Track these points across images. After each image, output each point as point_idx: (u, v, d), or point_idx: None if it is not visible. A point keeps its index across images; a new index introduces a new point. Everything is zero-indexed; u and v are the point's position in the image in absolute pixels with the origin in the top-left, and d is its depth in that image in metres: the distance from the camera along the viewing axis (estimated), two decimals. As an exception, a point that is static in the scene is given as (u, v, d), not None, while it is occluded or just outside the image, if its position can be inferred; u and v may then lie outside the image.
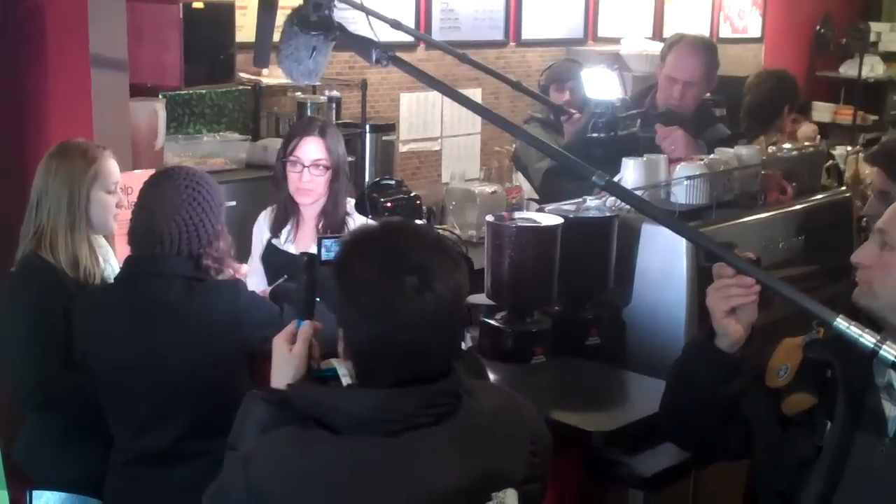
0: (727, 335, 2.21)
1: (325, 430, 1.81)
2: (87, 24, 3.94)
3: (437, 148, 6.69)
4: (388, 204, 2.73)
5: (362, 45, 2.63)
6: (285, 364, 2.05)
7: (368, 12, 3.19)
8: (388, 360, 1.84)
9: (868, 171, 4.57)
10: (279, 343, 2.07)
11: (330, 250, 2.26)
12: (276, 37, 2.89)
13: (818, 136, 5.71)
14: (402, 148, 6.35)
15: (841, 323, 1.86)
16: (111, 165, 3.32)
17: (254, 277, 3.72)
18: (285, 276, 3.48)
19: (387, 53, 2.57)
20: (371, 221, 3.68)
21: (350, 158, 3.99)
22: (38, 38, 4.07)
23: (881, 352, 1.82)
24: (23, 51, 4.08)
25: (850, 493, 2.03)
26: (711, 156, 3.55)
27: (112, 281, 3.20)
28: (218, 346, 2.83)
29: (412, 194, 2.94)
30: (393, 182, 2.98)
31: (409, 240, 1.90)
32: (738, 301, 2.19)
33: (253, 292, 3.03)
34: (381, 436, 1.79)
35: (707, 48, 4.30)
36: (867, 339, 1.84)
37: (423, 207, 2.96)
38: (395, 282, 1.81)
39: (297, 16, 2.68)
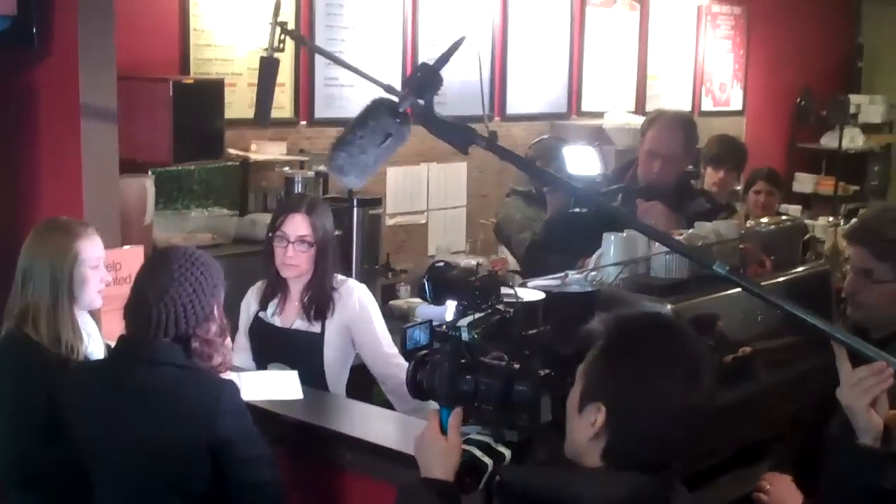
0: (871, 430, 2.23)
1: None
2: (79, 100, 4.01)
3: (424, 221, 6.77)
4: (477, 283, 2.63)
5: (458, 133, 2.40)
6: (444, 454, 2.15)
7: (364, 75, 3.14)
8: (652, 448, 1.97)
9: (846, 245, 4.65)
10: (434, 434, 2.18)
11: (415, 339, 2.34)
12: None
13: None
14: (389, 221, 6.42)
15: None
16: (95, 243, 3.35)
17: (240, 354, 3.76)
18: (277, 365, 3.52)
19: (485, 140, 2.38)
20: (364, 295, 3.75)
21: (337, 232, 4.05)
22: (31, 113, 4.14)
23: None
24: (16, 126, 4.15)
25: None
26: (690, 230, 3.61)
27: (101, 357, 3.24)
28: (190, 439, 2.79)
29: (487, 270, 2.89)
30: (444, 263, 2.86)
31: (684, 335, 2.04)
32: (877, 390, 2.22)
33: (237, 398, 2.91)
34: None
35: (686, 124, 4.39)
36: None
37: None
38: (678, 375, 1.96)
39: (386, 102, 2.46)
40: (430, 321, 2.36)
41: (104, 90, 4.13)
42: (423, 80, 2.34)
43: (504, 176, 6.65)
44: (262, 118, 3.19)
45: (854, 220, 3.37)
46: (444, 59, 2.40)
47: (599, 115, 7.72)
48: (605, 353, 2.04)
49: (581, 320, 2.96)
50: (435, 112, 2.38)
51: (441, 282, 2.42)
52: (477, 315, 2.36)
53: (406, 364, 3.57)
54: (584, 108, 7.82)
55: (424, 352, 2.34)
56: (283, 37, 3.40)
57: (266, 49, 3.41)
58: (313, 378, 3.63)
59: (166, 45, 5.35)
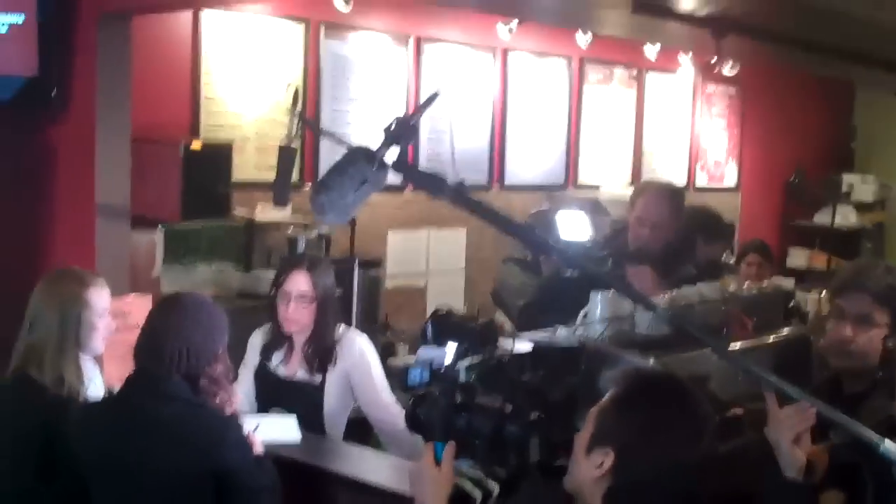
0: (795, 464, 2.39)
1: None
2: (95, 160, 4.18)
3: (423, 284, 6.91)
4: (477, 328, 2.79)
5: (429, 181, 2.50)
6: (437, 484, 2.30)
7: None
8: (653, 495, 2.13)
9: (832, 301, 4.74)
10: (428, 465, 2.32)
11: (416, 377, 2.51)
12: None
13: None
14: (389, 283, 6.56)
15: (889, 447, 2.05)
16: (103, 292, 3.49)
17: (242, 387, 3.89)
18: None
19: (460, 191, 2.45)
20: (364, 344, 3.89)
21: (338, 291, 4.17)
22: (48, 168, 4.31)
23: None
24: (34, 180, 4.31)
25: None
26: (675, 291, 3.77)
27: (106, 396, 3.39)
28: (196, 470, 2.94)
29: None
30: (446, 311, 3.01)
31: (692, 395, 2.20)
32: (800, 427, 2.38)
33: (241, 432, 3.08)
34: None
35: (673, 193, 4.57)
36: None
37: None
38: (685, 432, 2.13)
39: (363, 150, 2.58)
40: (431, 361, 2.53)
41: (119, 150, 4.31)
42: (398, 130, 2.51)
43: (502, 241, 6.80)
44: (281, 200, 3.32)
45: (839, 274, 3.33)
46: (418, 111, 2.60)
47: (596, 187, 7.92)
48: (619, 402, 2.21)
49: (568, 371, 3.14)
50: (408, 161, 2.54)
51: (443, 324, 2.59)
52: (474, 359, 2.54)
53: (402, 412, 3.74)
54: (581, 180, 8.00)
55: (423, 391, 2.50)
56: (300, 125, 3.57)
57: (284, 137, 3.58)
58: (313, 425, 3.77)
59: (178, 109, 5.54)
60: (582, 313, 3.63)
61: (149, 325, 3.09)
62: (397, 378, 4.03)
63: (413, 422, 2.49)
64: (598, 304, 3.56)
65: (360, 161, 2.62)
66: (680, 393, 2.22)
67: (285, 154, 3.20)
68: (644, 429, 2.14)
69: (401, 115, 2.59)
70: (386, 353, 5.74)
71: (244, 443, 3.04)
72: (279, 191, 3.19)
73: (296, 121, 3.49)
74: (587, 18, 6.58)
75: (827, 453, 2.39)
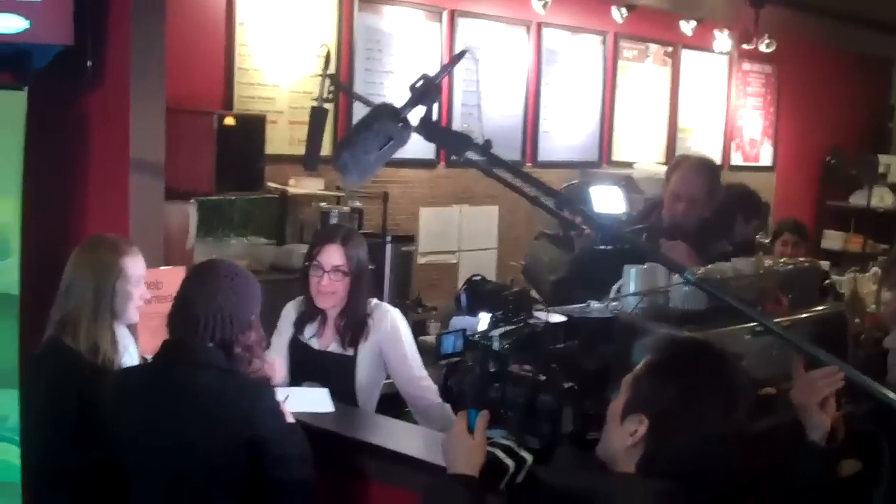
0: (820, 428, 2.40)
1: None
2: (130, 129, 4.19)
3: (455, 261, 6.91)
4: (511, 296, 2.79)
5: (454, 140, 2.57)
6: (470, 451, 2.29)
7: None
8: (686, 464, 2.10)
9: (867, 291, 4.73)
10: (461, 433, 2.32)
11: (449, 345, 2.51)
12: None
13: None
14: (421, 260, 6.56)
15: None
16: (137, 260, 3.50)
17: (273, 354, 3.85)
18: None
19: (485, 151, 2.48)
20: (397, 318, 3.88)
21: (371, 267, 4.16)
22: (82, 138, 4.32)
23: None
24: (67, 149, 4.32)
25: None
26: (709, 266, 3.74)
27: (140, 364, 3.40)
28: (230, 437, 2.95)
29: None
30: (481, 277, 3.01)
31: (728, 364, 2.19)
32: (828, 390, 2.39)
33: (275, 399, 3.09)
34: None
35: (709, 168, 4.54)
36: None
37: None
38: (720, 400, 2.11)
39: (389, 108, 2.61)
40: (464, 330, 2.52)
41: (153, 120, 4.30)
42: (424, 89, 2.50)
43: (534, 219, 6.79)
44: (310, 163, 3.31)
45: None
46: (443, 70, 2.58)
47: (629, 164, 7.88)
48: (654, 369, 2.19)
49: (602, 341, 3.12)
50: (433, 120, 2.53)
51: (477, 293, 2.58)
52: (508, 327, 2.52)
53: (434, 388, 3.72)
54: (615, 157, 7.98)
55: (457, 359, 2.49)
56: (331, 88, 3.55)
57: (316, 98, 3.56)
58: (345, 399, 3.77)
59: (212, 80, 5.56)
60: (615, 287, 3.60)
61: (182, 291, 3.10)
62: (429, 355, 4.04)
63: (446, 392, 2.49)
64: (632, 278, 3.52)
65: (385, 118, 2.61)
66: (716, 360, 2.20)
67: (316, 115, 3.17)
68: (679, 396, 2.12)
69: (427, 74, 2.58)
70: (417, 330, 5.71)
71: (277, 410, 3.04)
72: (309, 153, 3.17)
73: (327, 82, 3.47)
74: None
75: (842, 421, 2.37)
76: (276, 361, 3.70)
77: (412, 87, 2.55)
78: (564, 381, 2.41)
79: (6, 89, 3.93)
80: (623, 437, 2.15)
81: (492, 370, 2.43)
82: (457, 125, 6.65)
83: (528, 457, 2.35)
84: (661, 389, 2.14)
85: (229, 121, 5.20)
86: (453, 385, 2.47)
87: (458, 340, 2.51)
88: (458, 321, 3.05)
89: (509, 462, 2.32)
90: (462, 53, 2.68)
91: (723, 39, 8.42)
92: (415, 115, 2.50)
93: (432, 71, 2.53)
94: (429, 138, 2.56)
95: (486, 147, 2.47)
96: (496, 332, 2.50)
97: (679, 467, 2.12)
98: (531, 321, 2.56)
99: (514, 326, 2.53)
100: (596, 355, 2.74)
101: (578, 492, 2.19)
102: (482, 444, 2.31)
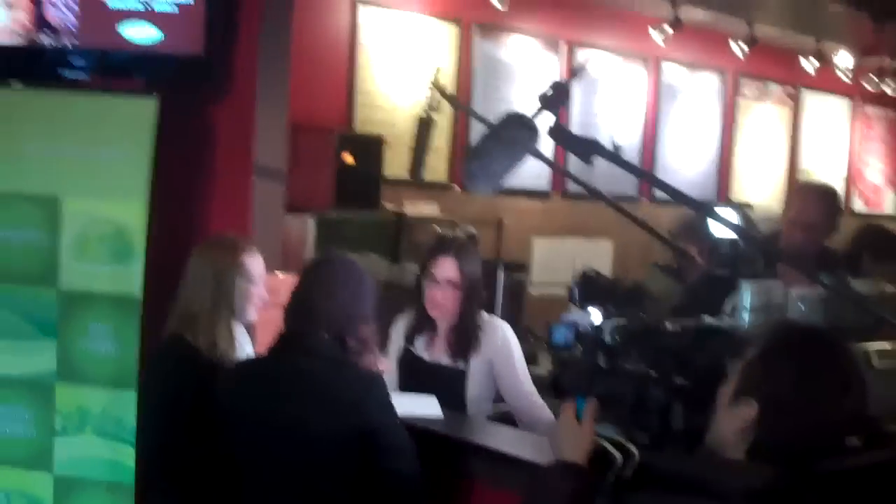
0: None
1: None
2: (254, 138, 4.28)
3: (566, 293, 6.85)
4: (623, 290, 2.81)
5: (583, 145, 2.64)
6: (577, 439, 2.28)
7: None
8: (797, 449, 2.07)
9: None
10: (569, 420, 2.32)
11: (560, 337, 2.55)
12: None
13: None
14: (532, 291, 6.54)
15: None
16: (257, 259, 3.58)
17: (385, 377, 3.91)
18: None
19: (609, 152, 2.56)
20: (508, 332, 3.89)
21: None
22: (208, 147, 4.42)
23: None
24: (192, 157, 4.42)
25: None
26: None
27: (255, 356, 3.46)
28: (342, 427, 2.97)
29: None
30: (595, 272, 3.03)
31: (841, 347, 2.16)
32: None
33: (386, 390, 3.13)
34: None
35: (829, 194, 4.45)
36: None
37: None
38: (831, 385, 2.08)
39: (517, 115, 2.71)
40: (575, 322, 2.51)
41: (277, 131, 4.39)
42: (554, 95, 2.52)
43: (648, 255, 6.74)
44: (416, 173, 3.34)
45: None
46: (571, 77, 2.61)
47: (747, 205, 7.78)
48: (765, 354, 2.14)
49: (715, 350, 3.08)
50: (561, 124, 2.58)
51: (590, 285, 2.57)
52: (620, 321, 2.51)
53: (544, 405, 3.70)
54: (732, 196, 7.89)
55: (567, 353, 2.49)
56: (439, 99, 3.60)
57: (425, 109, 3.61)
58: (456, 411, 3.77)
59: (333, 99, 5.68)
60: (730, 305, 3.55)
61: (299, 283, 3.16)
62: (538, 385, 4.04)
63: (555, 387, 2.48)
64: (747, 293, 3.48)
65: (514, 126, 2.66)
66: (827, 344, 2.16)
67: (423, 125, 3.21)
68: (789, 380, 2.08)
69: (558, 80, 2.63)
70: (527, 360, 5.69)
71: (389, 402, 3.06)
72: (414, 162, 3.21)
73: (435, 93, 3.52)
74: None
75: None
76: (387, 363, 3.73)
77: (541, 96, 2.59)
78: (676, 376, 2.39)
79: (137, 96, 4.06)
80: (733, 423, 2.12)
81: (602, 364, 2.42)
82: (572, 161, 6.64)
83: (637, 452, 2.32)
84: (771, 373, 2.10)
85: (350, 136, 5.29)
86: (563, 379, 2.47)
87: (570, 332, 2.50)
88: (569, 316, 3.09)
89: (617, 454, 2.30)
90: (584, 64, 2.72)
91: (844, 56, 8.22)
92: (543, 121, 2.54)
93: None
94: (558, 141, 2.61)
95: (615, 151, 2.50)
96: (608, 325, 2.49)
97: (790, 451, 2.08)
98: (643, 315, 2.55)
99: (625, 321, 2.52)
100: (709, 352, 2.71)
101: (688, 479, 2.15)
102: (590, 433, 2.29)
